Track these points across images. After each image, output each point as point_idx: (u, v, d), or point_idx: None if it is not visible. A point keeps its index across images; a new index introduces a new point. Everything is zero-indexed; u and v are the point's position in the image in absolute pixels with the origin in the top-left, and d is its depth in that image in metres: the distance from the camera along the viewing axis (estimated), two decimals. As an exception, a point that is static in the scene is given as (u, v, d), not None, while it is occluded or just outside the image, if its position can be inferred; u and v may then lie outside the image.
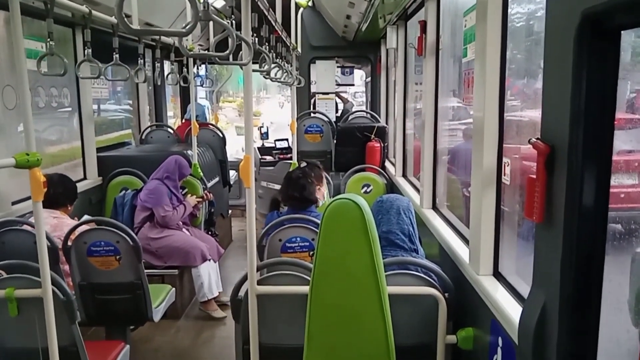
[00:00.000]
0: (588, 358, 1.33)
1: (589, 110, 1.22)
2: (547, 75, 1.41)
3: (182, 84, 5.45)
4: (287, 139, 7.54)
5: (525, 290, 1.83)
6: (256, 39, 2.64)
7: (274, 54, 3.58)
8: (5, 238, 3.08)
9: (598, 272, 1.30)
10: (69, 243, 3.20)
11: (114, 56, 3.44)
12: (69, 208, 3.56)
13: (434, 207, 3.45)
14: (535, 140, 1.39)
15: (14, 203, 3.45)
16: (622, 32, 1.21)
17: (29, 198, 2.09)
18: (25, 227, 3.13)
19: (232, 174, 6.71)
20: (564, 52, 1.25)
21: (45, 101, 4.15)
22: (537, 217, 1.40)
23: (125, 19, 1.24)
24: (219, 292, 4.53)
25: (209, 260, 4.42)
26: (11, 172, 3.26)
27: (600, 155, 1.25)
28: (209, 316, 4.44)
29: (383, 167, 5.57)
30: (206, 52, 3.30)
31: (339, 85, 7.90)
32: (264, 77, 3.54)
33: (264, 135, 8.23)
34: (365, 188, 5.00)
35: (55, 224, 3.32)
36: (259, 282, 2.30)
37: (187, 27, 1.41)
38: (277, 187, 4.48)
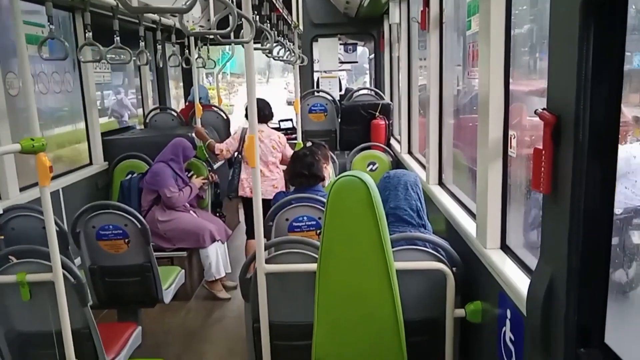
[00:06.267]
0: (595, 329, 1.33)
1: (595, 79, 1.20)
2: (552, 45, 1.38)
3: (184, 65, 5.42)
4: (291, 119, 7.52)
5: (532, 262, 1.84)
6: (257, 17, 2.60)
7: (276, 32, 3.55)
8: (14, 224, 3.10)
9: (605, 243, 1.29)
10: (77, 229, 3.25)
11: (115, 39, 3.42)
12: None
13: (440, 182, 3.45)
14: (541, 110, 1.37)
15: (21, 189, 3.47)
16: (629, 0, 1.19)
17: (36, 184, 2.10)
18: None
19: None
20: (570, 20, 1.23)
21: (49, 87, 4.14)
22: (545, 189, 1.39)
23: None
24: (225, 275, 4.57)
25: (218, 241, 4.46)
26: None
27: (607, 124, 1.23)
28: (217, 296, 4.50)
29: (388, 145, 5.55)
30: (207, 30, 3.27)
31: (342, 62, 7.83)
32: (267, 55, 3.50)
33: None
34: (371, 166, 4.99)
35: (267, 134, 4.55)
36: (267, 261, 2.31)
37: (188, 3, 1.40)
38: (282, 167, 4.49)
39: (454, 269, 2.27)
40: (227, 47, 9.61)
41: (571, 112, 1.25)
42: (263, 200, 4.11)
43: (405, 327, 2.12)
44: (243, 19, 2.03)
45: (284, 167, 4.30)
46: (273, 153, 4.56)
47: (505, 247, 2.14)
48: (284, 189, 4.36)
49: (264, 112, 4.60)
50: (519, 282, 1.81)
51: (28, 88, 2.04)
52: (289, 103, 8.38)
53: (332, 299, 2.12)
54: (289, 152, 4.56)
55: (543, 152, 1.36)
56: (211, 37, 5.72)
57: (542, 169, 1.38)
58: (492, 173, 2.13)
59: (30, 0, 3.30)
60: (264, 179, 4.43)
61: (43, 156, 1.99)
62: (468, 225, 2.51)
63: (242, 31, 2.44)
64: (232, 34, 1.90)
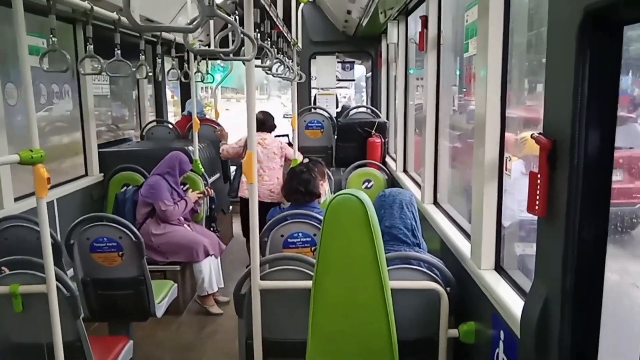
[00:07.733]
0: (589, 351, 1.34)
1: (590, 105, 1.23)
2: (549, 71, 1.41)
3: (183, 79, 5.46)
4: (287, 135, 7.55)
5: (526, 284, 1.85)
6: (258, 34, 2.63)
7: (276, 50, 3.58)
8: (8, 234, 3.09)
9: (599, 265, 1.31)
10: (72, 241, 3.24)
11: (116, 52, 3.44)
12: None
13: (435, 202, 3.47)
14: (537, 135, 1.40)
15: (16, 199, 3.46)
16: (624, 27, 1.22)
17: (32, 194, 2.10)
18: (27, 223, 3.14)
19: (233, 169, 6.72)
20: (567, 47, 1.26)
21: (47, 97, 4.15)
22: (540, 211, 1.40)
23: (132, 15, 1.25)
24: (217, 291, 4.55)
25: (211, 255, 4.44)
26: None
27: (602, 149, 1.25)
28: (209, 311, 4.47)
29: (384, 163, 5.58)
30: (209, 48, 3.30)
31: (339, 80, 7.90)
32: (266, 72, 3.54)
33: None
34: (366, 183, 5.01)
35: (270, 141, 4.94)
36: (262, 277, 2.31)
37: (195, 23, 1.42)
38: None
39: (448, 289, 2.27)
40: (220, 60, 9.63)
41: (567, 137, 1.27)
42: (259, 203, 4.20)
43: (399, 345, 2.11)
44: (245, 37, 2.06)
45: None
46: (274, 159, 4.90)
47: (499, 268, 2.15)
48: (280, 195, 4.47)
49: (269, 122, 5.10)
50: (513, 303, 1.81)
51: (29, 99, 2.05)
52: (284, 116, 8.51)
53: (327, 316, 2.12)
54: (290, 152, 4.97)
55: (539, 175, 1.38)
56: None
57: (538, 192, 1.40)
58: (487, 194, 2.15)
59: (34, 12, 3.32)
60: (261, 183, 4.75)
61: (41, 167, 1.99)
62: (462, 245, 2.52)
63: (243, 48, 2.47)
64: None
